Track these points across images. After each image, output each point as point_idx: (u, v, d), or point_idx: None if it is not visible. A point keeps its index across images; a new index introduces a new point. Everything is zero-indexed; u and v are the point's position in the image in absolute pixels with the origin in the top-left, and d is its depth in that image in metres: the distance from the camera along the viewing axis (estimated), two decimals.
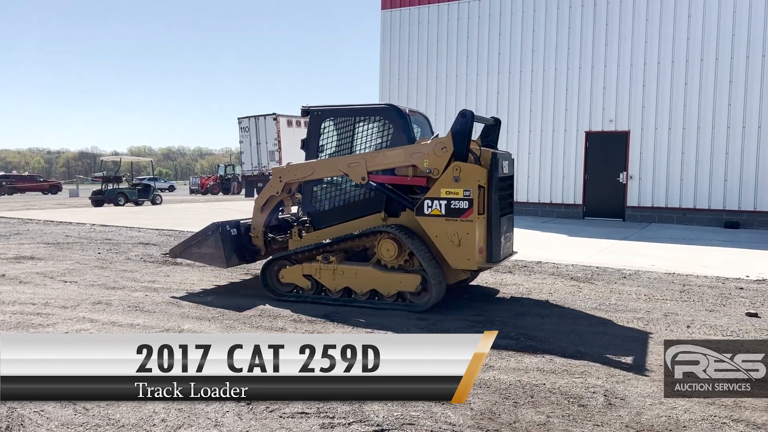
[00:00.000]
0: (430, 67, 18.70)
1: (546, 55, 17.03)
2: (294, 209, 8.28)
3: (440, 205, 6.69)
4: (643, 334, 6.04)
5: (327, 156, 7.48)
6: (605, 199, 16.65)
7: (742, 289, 8.04)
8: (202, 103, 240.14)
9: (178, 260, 10.19)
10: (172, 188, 55.02)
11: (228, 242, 7.66)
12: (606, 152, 16.55)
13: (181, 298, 7.44)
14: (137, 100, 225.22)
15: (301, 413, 4.09)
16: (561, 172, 17.09)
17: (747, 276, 8.85)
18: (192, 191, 42.63)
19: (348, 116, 7.47)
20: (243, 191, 33.74)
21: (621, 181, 16.39)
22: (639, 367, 5.04)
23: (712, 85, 15.05)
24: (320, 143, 7.53)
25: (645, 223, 15.75)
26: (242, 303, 7.19)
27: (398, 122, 7.17)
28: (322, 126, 7.52)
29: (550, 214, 17.29)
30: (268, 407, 4.19)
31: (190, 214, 20.30)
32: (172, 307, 6.98)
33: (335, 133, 7.52)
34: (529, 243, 12.22)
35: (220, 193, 40.59)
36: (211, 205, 25.56)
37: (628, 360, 5.21)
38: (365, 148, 7.36)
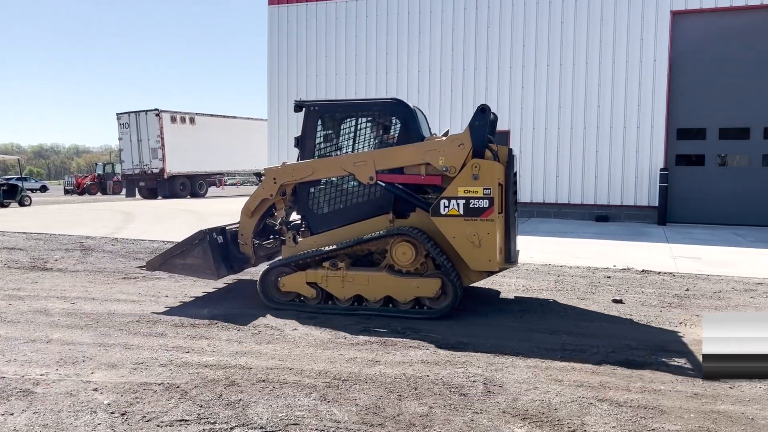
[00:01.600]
0: (319, 64, 18.62)
1: (431, 55, 17.46)
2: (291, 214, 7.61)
3: (458, 204, 6.36)
4: (522, 323, 6.34)
5: (325, 155, 7.00)
6: None
7: (609, 277, 8.65)
8: (77, 98, 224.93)
9: (48, 266, 9.48)
10: (44, 188, 51.17)
11: (216, 251, 7.00)
12: None
13: (50, 305, 6.92)
14: (2, 95, 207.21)
15: (181, 420, 3.93)
16: None
17: (614, 265, 9.54)
18: (67, 191, 39.86)
19: (349, 111, 7.03)
20: (123, 191, 32.00)
21: None
22: (516, 355, 5.28)
23: (583, 88, 16.08)
24: (317, 141, 7.03)
25: (525, 218, 16.57)
26: (118, 308, 6.80)
27: (406, 118, 6.81)
28: (319, 122, 6.99)
29: None
30: (144, 416, 3.98)
31: (63, 215, 18.95)
32: (40, 316, 6.47)
33: (335, 130, 7.05)
34: None
35: (99, 193, 38.25)
36: (88, 206, 24.01)
37: (507, 349, 5.45)
38: (369, 146, 6.97)
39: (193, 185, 30.39)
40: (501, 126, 16.89)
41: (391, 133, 6.88)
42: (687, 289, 7.87)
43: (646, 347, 5.52)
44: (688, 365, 5.05)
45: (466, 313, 6.69)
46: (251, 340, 5.68)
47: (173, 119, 28.84)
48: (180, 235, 12.86)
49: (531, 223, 15.45)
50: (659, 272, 9.00)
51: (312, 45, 18.71)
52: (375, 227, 6.75)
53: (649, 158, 15.57)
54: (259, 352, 5.30)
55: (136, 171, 28.80)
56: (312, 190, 7.02)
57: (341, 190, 6.95)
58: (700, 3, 14.99)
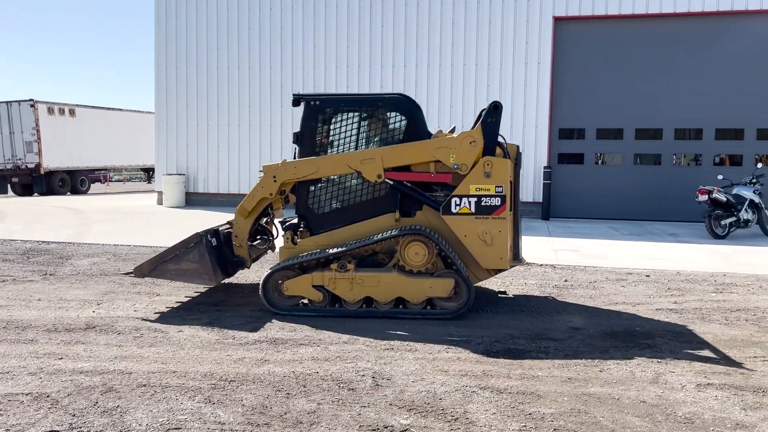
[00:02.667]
0: (211, 55, 18.03)
1: (338, 51, 17.40)
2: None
3: (469, 202, 6.32)
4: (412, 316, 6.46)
5: (327, 152, 6.74)
6: None
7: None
8: None
9: None
10: None
11: (213, 254, 6.58)
12: None
13: None
14: None
15: None
16: None
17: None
18: None
19: (352, 107, 6.79)
20: None
21: None
22: (405, 348, 5.37)
23: (473, 88, 16.63)
24: (318, 137, 6.76)
25: None
26: None
27: (413, 114, 6.63)
28: (320, 117, 6.72)
29: None
30: (8, 430, 3.69)
31: None
32: None
33: (337, 125, 6.78)
34: None
35: None
36: None
37: (397, 342, 5.54)
38: (373, 142, 6.77)
39: (74, 181, 28.53)
40: None
41: (397, 130, 6.72)
42: (566, 280, 8.35)
43: (526, 336, 5.79)
44: (563, 351, 5.36)
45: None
46: (132, 343, 5.42)
47: (50, 110, 26.91)
48: (58, 234, 12.06)
49: None
50: (541, 264, 9.48)
51: (203, 35, 18.08)
52: (379, 226, 6.58)
53: (534, 157, 16.35)
54: (141, 356, 5.06)
55: (8, 166, 26.62)
56: (312, 188, 6.77)
57: (344, 188, 6.74)
58: (579, 10, 15.93)
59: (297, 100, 6.76)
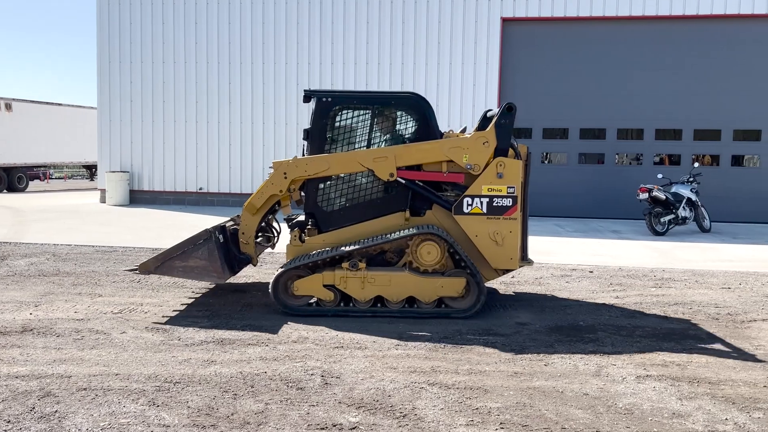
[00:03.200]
0: (156, 49, 17.57)
1: (276, 48, 17.21)
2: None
3: (481, 202, 6.38)
4: (362, 313, 6.46)
5: (338, 149, 6.63)
6: None
7: None
8: None
9: None
10: None
11: (221, 251, 6.38)
12: None
13: None
14: None
15: None
16: None
17: None
18: None
19: (364, 104, 6.69)
20: None
21: None
22: (355, 346, 5.37)
23: (423, 87, 16.74)
24: (329, 134, 6.64)
25: None
26: None
27: (424, 113, 6.62)
28: (331, 114, 6.60)
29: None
30: None
31: None
32: None
33: (348, 123, 6.69)
34: None
35: None
36: None
37: (347, 340, 5.53)
38: (384, 140, 6.73)
39: (10, 179, 27.34)
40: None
41: (409, 128, 6.72)
42: (513, 276, 8.50)
43: (474, 331, 5.88)
44: (509, 346, 5.45)
45: None
46: (72, 346, 5.23)
47: None
48: None
49: None
50: None
51: (147, 28, 17.61)
52: (388, 225, 6.56)
53: None
54: (81, 359, 4.90)
55: None
56: (322, 186, 6.67)
57: (354, 186, 6.66)
58: (526, 12, 16.23)
59: (308, 96, 6.68)
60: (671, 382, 4.65)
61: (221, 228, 6.67)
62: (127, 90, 17.78)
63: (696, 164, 14.64)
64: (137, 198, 17.89)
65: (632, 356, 5.24)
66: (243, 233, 6.86)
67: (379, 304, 6.38)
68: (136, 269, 6.70)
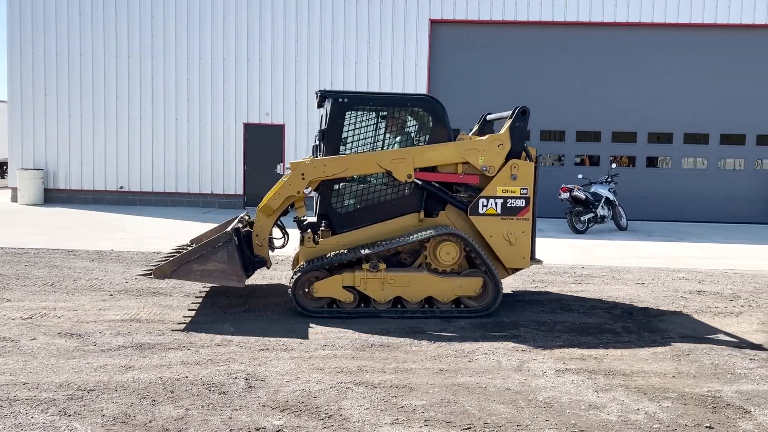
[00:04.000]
0: (72, 41, 16.73)
1: (202, 43, 16.76)
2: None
3: (496, 203, 6.55)
4: (287, 314, 6.37)
5: (353, 150, 6.62)
6: (265, 189, 17.03)
7: None
8: None
9: None
10: None
11: (240, 254, 6.18)
12: (264, 144, 17.12)
13: None
14: None
15: None
16: (221, 163, 17.10)
17: None
18: None
19: (379, 105, 6.75)
20: None
21: (279, 172, 17.14)
22: (280, 348, 5.29)
23: (353, 86, 16.73)
24: (344, 135, 6.60)
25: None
26: None
27: (438, 115, 6.66)
28: (347, 115, 6.56)
29: (212, 205, 17.18)
30: None
31: None
32: None
33: (363, 124, 6.67)
34: (187, 234, 11.91)
35: None
36: None
37: (272, 342, 5.44)
38: (399, 141, 6.76)
39: None
40: (276, 120, 16.89)
41: (423, 130, 6.78)
42: None
43: (401, 330, 5.91)
44: (435, 343, 5.52)
45: (234, 308, 6.55)
46: None
47: None
48: None
49: (308, 216, 15.67)
50: None
51: (63, 18, 16.75)
52: (402, 226, 6.61)
53: None
54: None
55: None
56: (337, 187, 6.62)
57: (369, 187, 6.68)
58: (453, 14, 16.48)
59: (323, 96, 6.66)
60: (588, 375, 4.82)
61: (236, 230, 6.49)
62: (41, 83, 16.87)
63: (614, 165, 15.31)
64: (52, 197, 17.01)
65: (552, 351, 5.41)
66: (257, 235, 6.72)
67: (399, 305, 6.41)
68: (150, 274, 6.36)
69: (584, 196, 13.26)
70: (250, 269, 6.67)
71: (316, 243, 6.58)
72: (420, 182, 6.60)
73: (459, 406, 4.17)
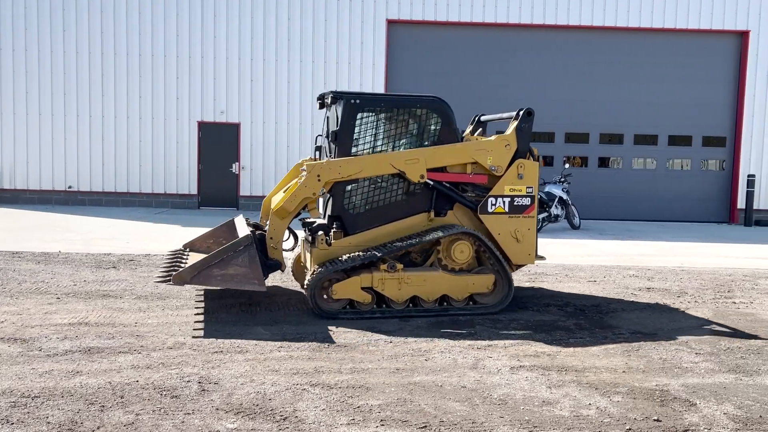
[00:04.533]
0: (17, 35, 16.15)
1: (154, 39, 16.40)
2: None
3: (504, 202, 6.73)
4: (243, 317, 6.29)
5: (365, 151, 6.66)
6: (220, 188, 16.98)
7: None
8: None
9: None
10: None
11: (260, 258, 6.11)
12: (219, 143, 16.86)
13: None
14: None
15: None
16: (175, 162, 16.76)
17: None
18: None
19: (390, 106, 6.84)
20: None
21: (234, 171, 16.92)
22: (234, 350, 5.21)
23: (311, 86, 16.62)
24: (355, 136, 6.63)
25: (257, 211, 16.56)
26: None
27: (447, 116, 6.81)
28: (358, 116, 6.60)
29: (165, 205, 16.82)
30: None
31: None
32: None
33: (374, 125, 6.75)
34: (139, 235, 11.65)
35: None
36: None
37: (227, 344, 5.35)
38: (409, 141, 6.86)
39: None
40: (231, 118, 16.65)
41: (432, 130, 6.87)
42: None
43: (358, 330, 5.89)
44: (392, 343, 5.52)
45: (186, 309, 6.43)
46: None
47: None
48: None
49: None
50: None
51: (7, 10, 16.15)
52: (412, 226, 6.70)
53: None
54: None
55: None
56: (349, 188, 6.61)
57: (380, 188, 6.72)
58: (410, 14, 16.56)
59: (335, 98, 6.66)
60: (542, 371, 4.90)
61: (254, 234, 6.41)
62: None
63: (567, 165, 15.62)
64: None
65: (507, 348, 5.48)
66: (272, 238, 6.61)
67: (409, 305, 6.49)
68: (168, 280, 6.13)
69: (539, 196, 13.47)
70: (265, 273, 6.47)
71: (329, 245, 6.53)
72: (432, 183, 6.68)
73: (415, 405, 4.18)
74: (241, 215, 7.76)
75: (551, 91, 16.80)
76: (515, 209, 6.80)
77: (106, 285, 7.43)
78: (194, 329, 5.77)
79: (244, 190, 16.91)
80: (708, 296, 7.84)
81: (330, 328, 5.94)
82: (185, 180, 16.85)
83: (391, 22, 16.60)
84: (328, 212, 6.75)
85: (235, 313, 6.40)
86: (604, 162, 17.57)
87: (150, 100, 16.55)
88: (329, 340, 5.56)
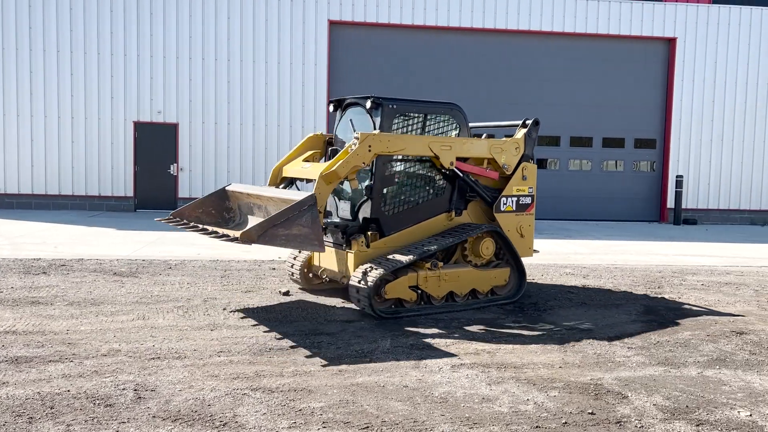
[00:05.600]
0: None
1: (87, 36, 15.82)
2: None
3: (512, 201, 7.51)
4: (183, 321, 6.14)
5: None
6: (157, 190, 16.52)
7: (274, 269, 8.98)
8: None
9: None
10: None
11: None
12: (156, 144, 16.42)
13: None
14: None
15: None
16: (110, 163, 16.21)
17: (279, 257, 9.95)
18: None
19: (418, 110, 7.29)
20: None
21: (172, 173, 16.50)
22: (172, 356, 5.08)
23: (251, 85, 16.39)
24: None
25: None
26: None
27: (463, 120, 7.42)
28: (394, 119, 7.04)
29: (100, 208, 16.24)
30: None
31: None
32: None
33: (406, 128, 7.20)
34: (70, 239, 11.20)
35: None
36: None
37: (164, 350, 5.22)
38: None
39: None
40: (169, 118, 16.24)
41: (452, 132, 7.41)
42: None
43: (301, 332, 5.85)
44: (335, 345, 5.50)
45: (122, 315, 6.22)
46: None
47: None
48: None
49: None
50: None
51: None
52: (435, 225, 7.18)
53: None
54: None
55: None
56: (385, 191, 6.97)
57: (409, 191, 7.13)
58: (352, 16, 16.55)
59: (377, 104, 6.96)
60: (482, 369, 4.99)
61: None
62: None
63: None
64: None
65: (448, 347, 5.55)
66: (316, 198, 6.37)
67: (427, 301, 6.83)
68: (237, 239, 5.85)
69: None
70: None
71: (368, 246, 6.77)
72: (459, 173, 7.11)
73: (357, 406, 4.18)
74: (234, 183, 7.49)
75: (487, 93, 17.12)
76: (520, 207, 7.60)
77: (36, 291, 7.12)
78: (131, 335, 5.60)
79: (183, 192, 16.51)
80: (639, 292, 8.16)
81: (272, 331, 5.87)
82: (120, 182, 16.32)
83: (333, 23, 16.56)
84: (364, 215, 6.94)
85: (172, 318, 6.24)
86: (541, 164, 18.00)
87: (83, 99, 15.95)
88: (271, 343, 5.49)
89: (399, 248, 6.83)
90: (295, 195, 6.37)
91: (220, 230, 6.54)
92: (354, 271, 6.57)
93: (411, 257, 6.48)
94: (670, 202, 17.64)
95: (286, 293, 7.44)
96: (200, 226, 6.75)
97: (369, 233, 6.81)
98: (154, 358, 5.00)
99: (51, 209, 15.95)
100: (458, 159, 7.09)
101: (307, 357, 5.16)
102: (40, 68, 15.76)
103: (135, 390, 4.31)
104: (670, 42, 17.62)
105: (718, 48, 17.66)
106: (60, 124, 15.94)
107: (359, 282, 6.34)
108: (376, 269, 6.36)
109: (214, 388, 4.39)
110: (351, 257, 6.75)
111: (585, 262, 10.42)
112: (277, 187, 7.53)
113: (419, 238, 7.03)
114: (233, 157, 16.54)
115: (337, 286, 7.57)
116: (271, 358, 5.10)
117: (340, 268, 7.00)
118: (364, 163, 6.61)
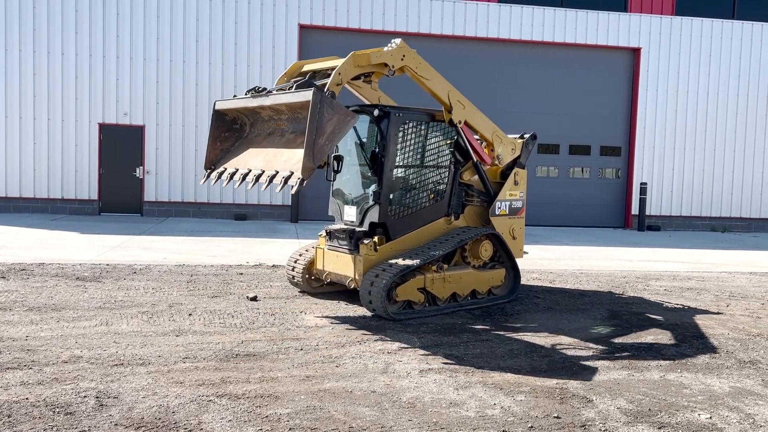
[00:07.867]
0: None
1: (51, 36, 15.48)
2: None
3: (506, 205, 7.88)
4: (146, 326, 6.02)
5: (402, 161, 7.21)
6: (122, 194, 16.22)
7: (242, 274, 8.89)
8: None
9: None
10: None
11: None
12: (122, 146, 16.13)
13: None
14: None
15: None
16: (74, 166, 15.87)
17: (247, 262, 9.84)
18: None
19: (421, 118, 7.38)
20: None
21: (138, 175, 16.23)
22: (136, 363, 4.98)
23: (220, 88, 16.23)
24: (398, 146, 7.11)
25: (163, 218, 15.99)
26: None
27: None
28: (401, 127, 7.13)
29: (63, 211, 15.88)
30: None
31: None
32: None
33: (412, 135, 7.30)
34: (31, 243, 10.92)
35: None
36: None
37: (127, 356, 5.11)
38: (438, 150, 7.51)
39: None
40: (135, 120, 15.98)
41: (452, 138, 7.56)
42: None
43: (269, 338, 5.79)
44: (303, 350, 5.46)
45: (84, 320, 6.08)
46: None
47: None
48: None
49: (168, 223, 14.96)
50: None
51: None
52: (435, 229, 7.38)
53: None
54: None
55: None
56: (392, 196, 7.11)
57: (416, 195, 7.30)
58: (323, 20, 16.52)
59: (385, 113, 6.98)
60: (450, 373, 5.01)
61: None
62: None
63: None
64: None
65: (417, 351, 5.56)
66: (339, 74, 6.32)
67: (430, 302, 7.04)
68: (302, 179, 5.71)
69: None
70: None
71: (376, 251, 6.88)
72: (461, 132, 7.34)
73: (325, 412, 4.15)
74: (218, 101, 7.14)
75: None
76: (513, 211, 7.98)
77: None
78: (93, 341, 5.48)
79: (149, 196, 16.25)
80: (604, 297, 8.29)
81: (239, 337, 5.80)
82: (85, 185, 15.99)
83: (303, 27, 16.51)
84: (372, 219, 7.04)
85: (136, 324, 6.12)
86: None
87: (46, 100, 15.60)
88: (237, 349, 5.43)
89: (405, 252, 7.01)
90: (298, 97, 6.07)
91: (268, 171, 6.22)
92: (364, 275, 6.69)
93: (417, 261, 6.69)
94: (635, 209, 17.99)
95: (254, 299, 7.36)
96: (244, 170, 6.49)
97: (376, 237, 6.93)
98: (117, 365, 4.89)
99: (11, 212, 15.55)
100: (467, 125, 7.39)
101: (274, 363, 5.11)
102: (0, 68, 15.37)
103: (97, 397, 4.21)
104: (635, 52, 18.01)
105: (680, 58, 18.12)
106: (21, 125, 15.56)
107: (371, 286, 6.48)
108: (388, 273, 6.48)
109: (178, 395, 4.32)
110: (360, 261, 6.86)
111: (552, 267, 10.55)
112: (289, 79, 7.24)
113: (422, 242, 7.23)
114: (200, 160, 16.33)
115: (338, 288, 7.66)
116: (237, 364, 5.04)
117: (346, 271, 7.06)
118: (393, 65, 6.75)
